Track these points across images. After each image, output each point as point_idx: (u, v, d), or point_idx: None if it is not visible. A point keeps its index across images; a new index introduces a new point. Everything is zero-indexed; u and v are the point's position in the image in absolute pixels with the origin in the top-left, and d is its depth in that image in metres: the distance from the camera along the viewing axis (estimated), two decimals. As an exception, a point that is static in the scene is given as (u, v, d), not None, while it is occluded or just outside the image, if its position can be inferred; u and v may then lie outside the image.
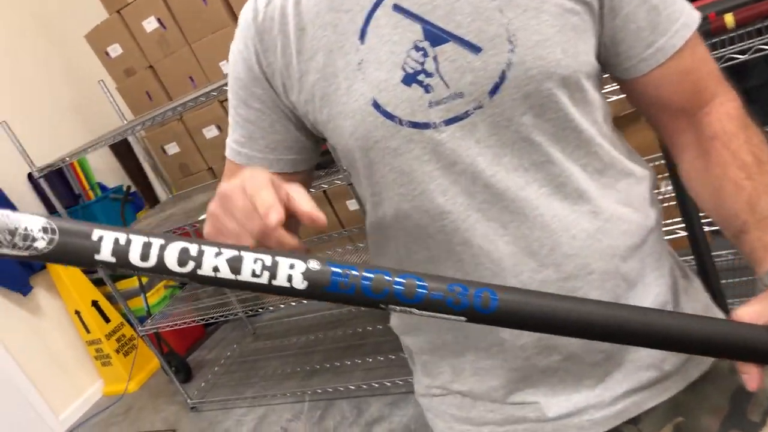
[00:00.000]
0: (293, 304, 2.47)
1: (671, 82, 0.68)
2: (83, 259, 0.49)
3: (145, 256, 0.49)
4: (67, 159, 2.71)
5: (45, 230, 0.48)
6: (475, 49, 0.62)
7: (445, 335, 0.75)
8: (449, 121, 0.64)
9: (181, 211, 2.85)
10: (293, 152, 0.76)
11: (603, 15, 0.65)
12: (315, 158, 0.79)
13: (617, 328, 0.53)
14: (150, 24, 3.08)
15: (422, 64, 0.63)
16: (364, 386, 2.47)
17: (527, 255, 0.67)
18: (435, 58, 0.63)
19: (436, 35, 0.63)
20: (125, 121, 2.91)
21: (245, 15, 0.73)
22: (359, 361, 2.70)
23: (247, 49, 0.72)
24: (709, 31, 1.41)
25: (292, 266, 0.50)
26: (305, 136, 0.76)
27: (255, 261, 0.50)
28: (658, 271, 0.72)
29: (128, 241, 0.49)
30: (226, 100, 3.09)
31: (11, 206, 3.39)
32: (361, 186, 0.75)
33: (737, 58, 1.37)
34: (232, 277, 0.50)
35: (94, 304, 3.51)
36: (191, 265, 0.50)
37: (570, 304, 0.54)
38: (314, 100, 0.69)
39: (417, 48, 0.63)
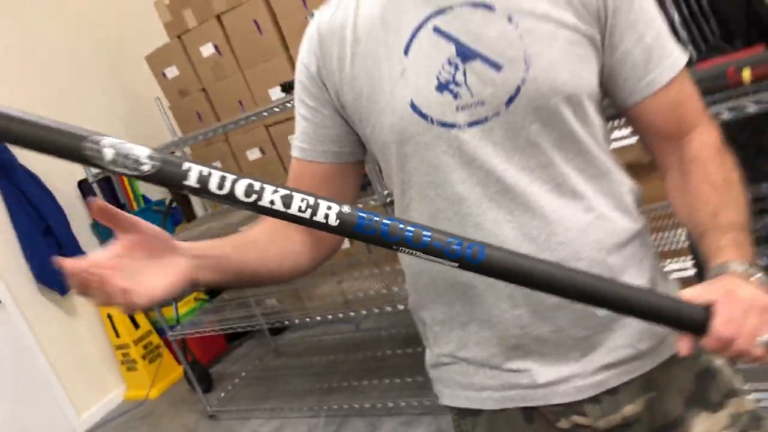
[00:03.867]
0: (318, 318, 2.58)
1: (660, 112, 0.81)
2: (175, 182, 0.63)
3: (220, 186, 0.63)
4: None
5: (150, 158, 0.62)
6: (497, 66, 0.75)
7: (454, 307, 0.87)
8: (472, 124, 0.77)
9: (217, 226, 3.02)
10: (337, 144, 0.89)
11: (604, 49, 0.79)
12: (359, 153, 0.92)
13: (576, 287, 0.67)
14: (207, 49, 3.30)
15: (453, 75, 0.77)
16: (379, 405, 2.55)
17: (528, 240, 0.79)
18: (464, 72, 0.76)
19: (466, 53, 0.77)
20: (176, 138, 3.09)
21: (311, 27, 0.87)
22: (376, 382, 2.79)
23: (309, 55, 0.87)
24: (727, 85, 1.53)
25: (329, 207, 0.65)
26: (350, 132, 0.89)
27: (302, 200, 0.65)
28: (639, 270, 0.83)
29: (209, 174, 0.63)
30: (272, 124, 3.29)
31: (60, 210, 3.62)
32: (391, 177, 0.88)
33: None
34: (283, 209, 0.64)
35: (127, 309, 3.64)
36: (254, 197, 0.64)
37: (540, 264, 0.67)
38: (361, 99, 0.82)
39: (450, 62, 0.77)
